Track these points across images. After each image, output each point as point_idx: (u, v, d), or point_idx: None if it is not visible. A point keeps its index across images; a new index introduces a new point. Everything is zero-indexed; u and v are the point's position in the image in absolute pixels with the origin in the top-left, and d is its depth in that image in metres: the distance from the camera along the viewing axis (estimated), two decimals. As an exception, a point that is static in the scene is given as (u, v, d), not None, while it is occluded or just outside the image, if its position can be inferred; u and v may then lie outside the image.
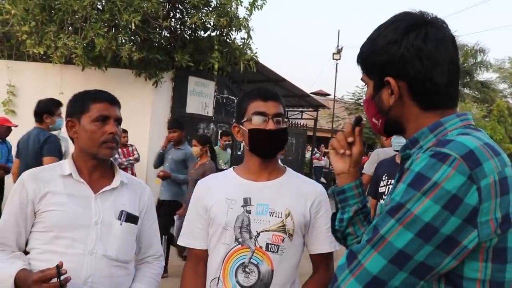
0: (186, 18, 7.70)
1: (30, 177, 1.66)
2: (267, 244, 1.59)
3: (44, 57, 7.56)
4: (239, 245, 1.60)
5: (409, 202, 0.88)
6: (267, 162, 1.68)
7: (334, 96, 19.62)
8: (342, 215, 1.23)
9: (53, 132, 4.00)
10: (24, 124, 5.56)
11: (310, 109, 15.95)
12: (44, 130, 3.87)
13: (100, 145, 1.65)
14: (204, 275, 1.68)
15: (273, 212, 1.61)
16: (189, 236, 1.73)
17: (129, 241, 1.72)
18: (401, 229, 0.88)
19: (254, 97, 1.66)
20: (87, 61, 6.85)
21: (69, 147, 4.42)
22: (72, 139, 1.73)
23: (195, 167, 5.02)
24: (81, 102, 1.70)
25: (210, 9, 7.70)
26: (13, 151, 5.83)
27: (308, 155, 16.79)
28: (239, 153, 9.44)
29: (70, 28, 7.03)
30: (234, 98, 9.24)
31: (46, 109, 3.91)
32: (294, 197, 1.66)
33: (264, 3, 7.98)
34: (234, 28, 7.81)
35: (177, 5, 7.85)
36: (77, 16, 6.87)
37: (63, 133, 3.47)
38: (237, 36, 8.63)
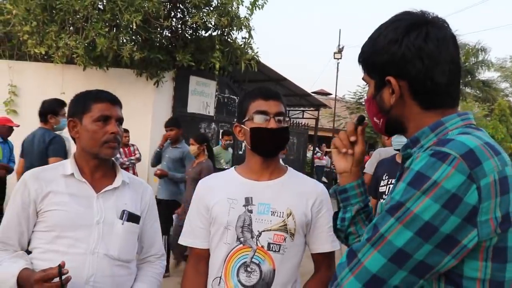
0: (187, 18, 7.71)
1: (32, 176, 1.67)
2: (269, 244, 1.59)
3: (45, 57, 7.57)
4: (241, 245, 1.60)
5: (409, 201, 0.88)
6: (268, 161, 1.69)
7: (336, 95, 19.61)
8: (344, 215, 1.23)
9: (56, 132, 4.02)
10: (25, 124, 5.58)
11: (312, 109, 15.94)
12: (49, 130, 3.89)
13: (102, 145, 1.66)
14: (205, 274, 1.68)
15: (275, 212, 1.62)
16: (190, 235, 1.73)
17: (131, 240, 1.73)
18: (400, 228, 0.88)
19: (255, 97, 1.67)
20: (89, 61, 6.86)
21: (71, 147, 4.43)
22: (74, 139, 1.74)
23: (192, 166, 5.03)
24: (83, 102, 1.70)
25: (211, 8, 7.71)
26: (15, 151, 5.86)
27: (309, 154, 16.79)
28: (240, 152, 9.44)
29: (71, 28, 7.04)
30: (235, 97, 9.25)
31: (50, 109, 3.94)
32: (295, 196, 1.66)
33: (265, 3, 7.98)
34: (235, 28, 7.81)
35: (178, 5, 7.86)
36: (78, 16, 6.88)
37: (65, 133, 3.47)
38: (238, 36, 8.66)
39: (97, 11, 6.85)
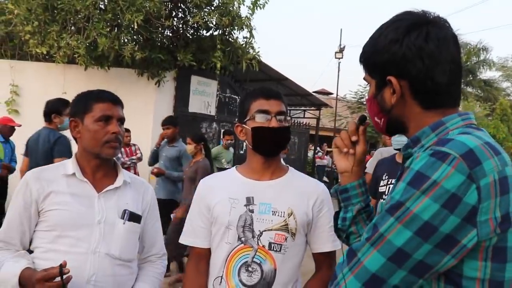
0: (189, 18, 7.70)
1: (33, 176, 1.67)
2: (270, 243, 1.60)
3: (47, 56, 7.57)
4: (242, 244, 1.61)
5: (409, 201, 0.89)
6: (270, 161, 1.69)
7: (337, 95, 19.61)
8: (345, 214, 1.23)
9: (60, 132, 4.04)
10: (27, 123, 5.59)
11: (313, 108, 15.93)
12: (53, 130, 3.91)
13: (103, 144, 1.66)
14: (206, 273, 1.69)
15: (276, 211, 1.62)
16: (191, 234, 1.73)
17: (132, 240, 1.73)
18: (400, 228, 0.89)
19: (256, 96, 1.67)
20: (90, 60, 6.86)
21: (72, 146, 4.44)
22: (75, 138, 1.74)
23: (189, 165, 5.03)
24: (84, 102, 1.71)
25: (212, 8, 7.70)
26: (17, 151, 5.87)
27: (310, 154, 16.78)
28: (241, 152, 9.44)
29: (72, 27, 7.04)
30: (237, 97, 9.24)
31: (54, 109, 3.96)
32: (296, 196, 1.66)
33: (266, 2, 7.96)
34: (236, 27, 7.80)
35: (179, 5, 7.85)
36: (79, 16, 6.88)
37: (68, 132, 3.48)
38: (240, 35, 8.63)
39: (98, 11, 6.85)
